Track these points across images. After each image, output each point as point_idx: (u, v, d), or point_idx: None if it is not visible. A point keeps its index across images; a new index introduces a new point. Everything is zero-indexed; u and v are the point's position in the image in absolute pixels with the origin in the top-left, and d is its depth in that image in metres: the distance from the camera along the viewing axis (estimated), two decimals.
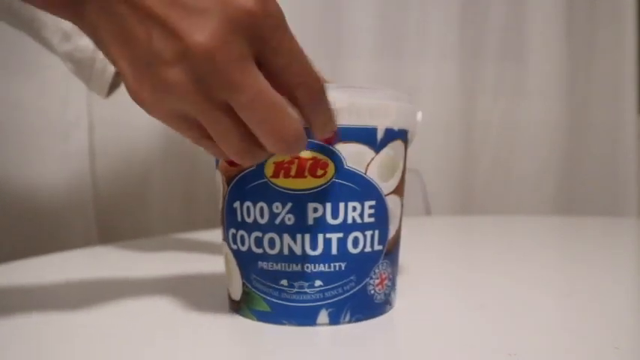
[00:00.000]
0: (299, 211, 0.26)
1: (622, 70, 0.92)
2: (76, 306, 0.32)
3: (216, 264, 0.43)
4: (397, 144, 0.28)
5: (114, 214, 0.64)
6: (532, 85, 0.88)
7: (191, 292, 0.35)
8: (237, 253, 0.28)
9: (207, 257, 0.47)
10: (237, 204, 0.27)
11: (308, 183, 0.26)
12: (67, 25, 0.43)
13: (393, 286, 0.30)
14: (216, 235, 0.57)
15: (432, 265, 0.45)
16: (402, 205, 0.30)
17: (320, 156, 0.26)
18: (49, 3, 0.23)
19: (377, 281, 0.28)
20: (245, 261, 0.28)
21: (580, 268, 0.44)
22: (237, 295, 0.29)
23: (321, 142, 0.26)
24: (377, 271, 0.28)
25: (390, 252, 0.29)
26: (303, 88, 0.22)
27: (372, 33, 0.78)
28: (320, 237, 0.26)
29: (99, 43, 0.23)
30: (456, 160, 0.85)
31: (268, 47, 0.21)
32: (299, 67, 0.22)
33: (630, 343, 0.26)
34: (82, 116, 0.60)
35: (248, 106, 0.21)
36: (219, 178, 0.29)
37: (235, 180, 0.27)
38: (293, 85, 0.22)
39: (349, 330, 0.27)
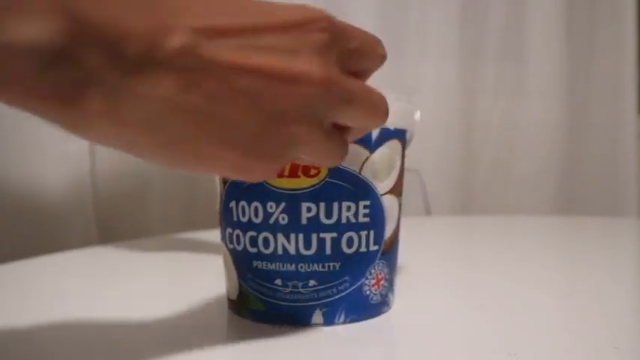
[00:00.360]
0: (293, 211, 0.26)
1: (622, 70, 0.92)
2: (75, 306, 0.32)
3: (216, 264, 0.43)
4: (393, 143, 0.28)
5: (114, 214, 0.64)
6: (532, 85, 0.88)
7: (191, 291, 0.35)
8: (233, 253, 0.28)
9: (207, 257, 0.47)
10: (232, 203, 0.27)
11: (301, 183, 0.26)
12: None
13: (390, 286, 0.30)
14: (215, 235, 0.57)
15: (431, 265, 0.45)
16: (399, 205, 0.29)
17: None
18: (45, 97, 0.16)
19: (373, 282, 0.28)
20: (241, 260, 0.28)
21: (580, 268, 0.44)
22: (234, 294, 0.29)
23: None
24: (373, 271, 0.28)
25: (387, 252, 0.29)
26: (378, 46, 0.23)
27: (373, 32, 0.78)
28: (314, 237, 0.26)
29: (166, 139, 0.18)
30: (456, 160, 0.85)
31: (342, 42, 0.21)
32: (364, 35, 0.23)
33: (630, 343, 0.26)
34: None
35: (359, 108, 0.21)
36: (217, 179, 0.29)
37: (231, 180, 0.27)
38: (370, 50, 0.23)
39: (344, 331, 0.27)
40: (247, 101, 0.18)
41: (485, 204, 0.88)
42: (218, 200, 0.29)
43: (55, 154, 0.58)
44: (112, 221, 0.64)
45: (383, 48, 0.23)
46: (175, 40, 0.17)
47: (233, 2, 0.19)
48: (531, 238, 0.62)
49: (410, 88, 0.81)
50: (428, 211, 0.80)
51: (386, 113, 0.23)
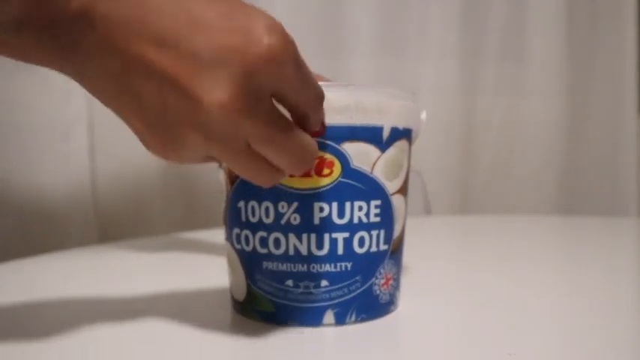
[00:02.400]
0: (305, 211, 0.26)
1: (622, 69, 0.92)
2: (75, 306, 0.31)
3: (216, 264, 0.43)
4: (402, 143, 0.28)
5: (114, 213, 0.63)
6: (532, 85, 0.88)
7: (192, 292, 0.35)
8: (241, 253, 0.28)
9: (208, 257, 0.47)
10: (241, 203, 0.27)
11: (314, 182, 0.26)
12: None
13: (397, 286, 0.30)
14: (216, 235, 0.57)
15: (431, 265, 0.45)
16: (406, 205, 0.29)
17: (326, 155, 0.25)
18: (31, 55, 0.20)
19: (382, 281, 0.28)
20: (249, 261, 0.27)
21: (580, 268, 0.44)
22: (241, 295, 0.29)
23: (325, 141, 0.25)
24: (382, 271, 0.28)
25: (395, 252, 0.29)
26: (316, 110, 0.23)
27: (373, 32, 0.78)
28: (326, 237, 0.26)
29: (98, 93, 0.22)
30: (456, 160, 0.85)
31: (286, 86, 0.21)
32: (313, 95, 0.22)
33: (630, 343, 0.26)
34: (82, 115, 0.60)
35: (277, 152, 0.21)
36: (222, 178, 0.29)
37: (240, 179, 0.27)
38: (308, 111, 0.23)
39: (354, 330, 0.27)
40: (151, 91, 0.20)
41: (485, 204, 0.88)
42: (224, 200, 0.29)
43: (55, 153, 0.58)
44: (112, 221, 0.63)
45: (322, 114, 0.23)
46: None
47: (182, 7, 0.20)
48: (531, 238, 0.62)
49: (410, 88, 0.81)
50: (428, 211, 0.81)
51: (306, 165, 0.23)
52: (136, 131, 0.22)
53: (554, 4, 0.87)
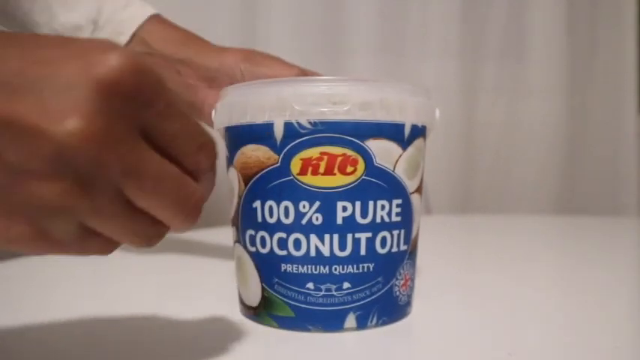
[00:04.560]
0: (327, 210, 0.25)
1: (622, 69, 0.93)
2: (75, 307, 0.31)
3: (217, 264, 0.42)
4: (420, 141, 0.28)
5: None
6: (533, 84, 0.89)
7: (194, 293, 0.34)
8: (255, 256, 0.27)
9: (208, 258, 0.46)
10: (257, 203, 0.26)
11: (337, 181, 0.25)
12: (60, 26, 0.41)
13: (413, 287, 0.29)
14: (216, 234, 0.56)
15: (431, 265, 0.44)
16: (421, 204, 0.29)
17: (350, 152, 0.25)
18: None
19: (402, 282, 0.27)
20: (265, 264, 0.26)
21: (580, 268, 0.44)
22: (254, 300, 0.27)
23: (349, 137, 0.25)
24: (402, 271, 0.27)
25: (413, 252, 0.28)
26: (206, 150, 0.19)
27: (373, 31, 0.78)
28: (349, 237, 0.25)
29: None
30: (456, 160, 0.85)
31: (154, 113, 0.17)
32: (194, 128, 0.18)
33: (630, 343, 0.26)
34: None
35: (151, 191, 0.17)
36: (234, 176, 0.28)
37: (255, 178, 0.26)
38: (192, 150, 0.19)
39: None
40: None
41: (486, 204, 0.88)
42: (236, 200, 0.28)
43: None
44: None
45: (213, 149, 0.19)
46: None
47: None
48: (531, 238, 0.62)
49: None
50: (428, 210, 0.81)
51: (194, 214, 0.19)
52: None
53: (555, 3, 0.88)
